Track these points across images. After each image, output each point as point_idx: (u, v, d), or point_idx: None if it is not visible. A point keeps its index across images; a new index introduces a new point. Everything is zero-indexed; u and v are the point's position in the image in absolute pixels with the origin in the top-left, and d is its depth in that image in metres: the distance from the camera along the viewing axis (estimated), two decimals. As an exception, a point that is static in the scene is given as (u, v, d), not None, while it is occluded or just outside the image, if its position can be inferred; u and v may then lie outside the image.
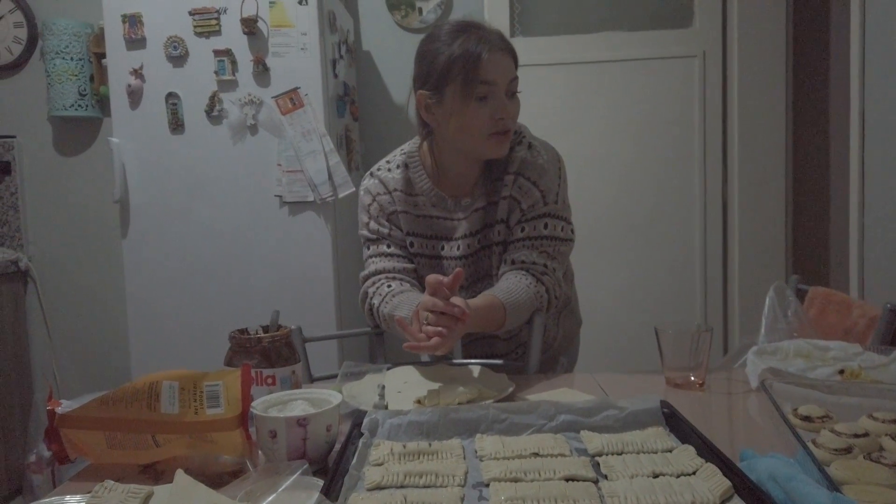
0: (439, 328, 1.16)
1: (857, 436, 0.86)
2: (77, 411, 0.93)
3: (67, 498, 0.81)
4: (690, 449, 0.85)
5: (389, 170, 1.50)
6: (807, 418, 0.94)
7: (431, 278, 1.18)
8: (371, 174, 1.52)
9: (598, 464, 0.84)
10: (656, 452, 0.87)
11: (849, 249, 2.20)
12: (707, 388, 1.21)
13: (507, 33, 2.92)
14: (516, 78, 1.37)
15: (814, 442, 0.85)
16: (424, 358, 1.51)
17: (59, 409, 0.94)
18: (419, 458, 0.87)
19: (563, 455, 0.87)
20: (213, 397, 0.91)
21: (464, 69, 1.31)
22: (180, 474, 0.81)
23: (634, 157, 2.98)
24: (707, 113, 2.95)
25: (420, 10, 3.01)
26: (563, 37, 2.98)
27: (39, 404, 2.83)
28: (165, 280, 2.46)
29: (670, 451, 0.87)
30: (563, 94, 2.97)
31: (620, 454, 0.87)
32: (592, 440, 0.91)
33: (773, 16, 2.85)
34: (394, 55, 3.03)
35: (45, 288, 3.09)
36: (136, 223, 2.46)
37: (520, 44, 2.96)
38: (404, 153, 1.50)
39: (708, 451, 0.83)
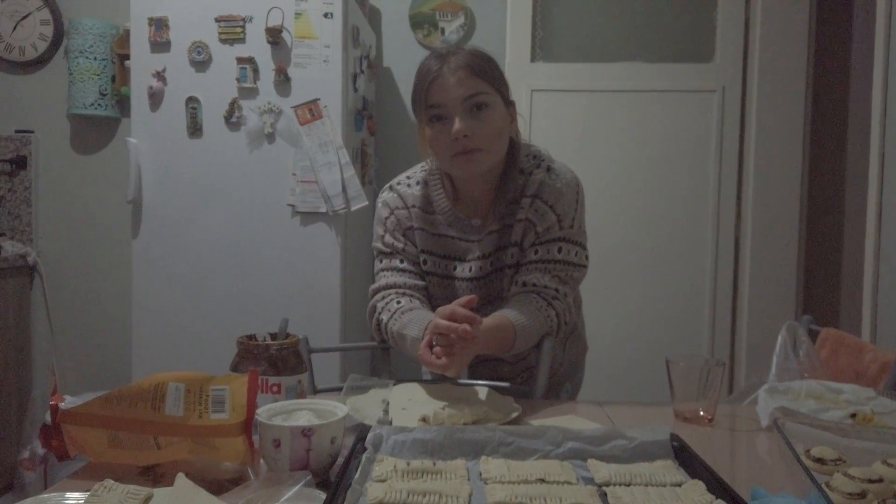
0: (447, 347, 1.16)
1: (871, 481, 0.84)
2: (80, 408, 0.92)
3: (67, 495, 0.80)
4: (700, 484, 0.83)
5: (409, 185, 1.49)
6: (819, 460, 0.92)
7: (444, 310, 1.19)
8: (391, 188, 1.51)
9: (605, 494, 0.83)
10: (665, 486, 0.85)
11: (862, 291, 2.18)
12: (715, 423, 1.19)
13: (527, 58, 2.98)
14: (480, 93, 1.32)
15: (827, 485, 0.84)
16: (427, 376, 1.50)
17: (62, 405, 0.93)
18: (423, 476, 0.86)
19: (569, 483, 0.85)
20: (218, 402, 0.90)
21: (418, 94, 1.36)
22: (181, 478, 0.80)
23: (648, 187, 2.98)
24: (724, 148, 2.95)
25: (443, 30, 3.03)
26: (584, 64, 3.00)
27: (37, 401, 2.81)
28: (172, 283, 2.46)
29: (679, 486, 0.85)
30: (581, 121, 2.98)
31: (628, 485, 0.85)
32: (600, 469, 0.89)
33: (795, 54, 2.86)
34: (414, 73, 3.03)
35: (52, 284, 3.09)
36: (147, 224, 2.47)
37: (540, 69, 3.00)
38: (425, 170, 1.49)
39: (719, 488, 0.82)
